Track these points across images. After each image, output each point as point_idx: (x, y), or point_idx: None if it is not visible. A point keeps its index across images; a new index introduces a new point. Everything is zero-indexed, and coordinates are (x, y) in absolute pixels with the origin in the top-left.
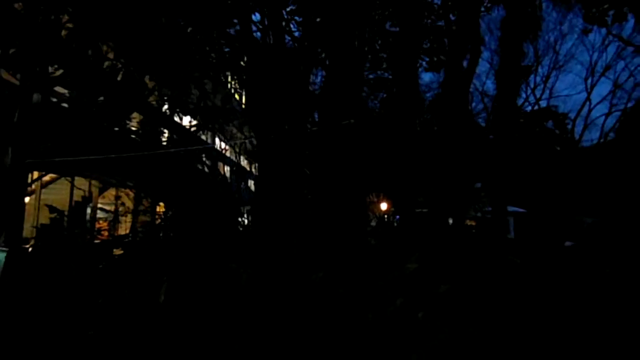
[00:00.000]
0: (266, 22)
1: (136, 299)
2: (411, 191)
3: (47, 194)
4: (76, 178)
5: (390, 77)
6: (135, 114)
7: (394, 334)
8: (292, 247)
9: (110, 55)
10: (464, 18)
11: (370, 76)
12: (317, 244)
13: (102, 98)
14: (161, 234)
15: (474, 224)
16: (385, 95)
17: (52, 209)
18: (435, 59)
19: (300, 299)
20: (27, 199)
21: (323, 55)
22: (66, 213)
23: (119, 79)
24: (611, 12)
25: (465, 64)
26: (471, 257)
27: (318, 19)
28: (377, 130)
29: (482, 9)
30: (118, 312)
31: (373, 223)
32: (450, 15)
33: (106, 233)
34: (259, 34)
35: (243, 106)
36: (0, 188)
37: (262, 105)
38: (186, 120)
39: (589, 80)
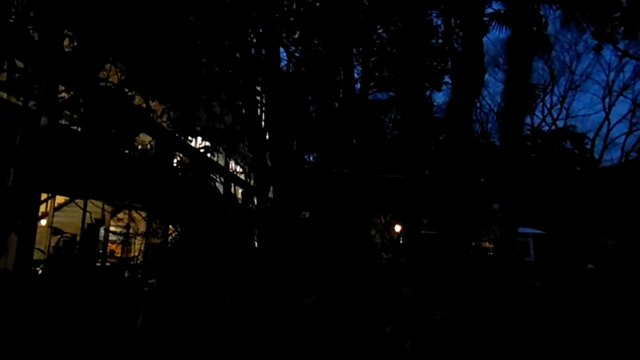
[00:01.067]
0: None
1: (117, 324)
2: (417, 212)
3: (60, 217)
4: (90, 201)
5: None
6: (148, 137)
7: None
8: (288, 271)
9: (115, 78)
10: (467, 36)
11: (380, 96)
12: (317, 267)
13: (106, 121)
14: (169, 257)
15: (490, 246)
16: (393, 115)
17: (56, 231)
18: (436, 77)
19: (286, 325)
20: (43, 222)
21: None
22: (78, 236)
23: (119, 95)
24: (621, 29)
25: (471, 82)
26: (484, 280)
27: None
28: (386, 151)
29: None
30: (100, 338)
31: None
32: (454, 35)
33: (118, 255)
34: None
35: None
36: (1, 210)
37: (261, 126)
38: (199, 141)
39: (607, 100)
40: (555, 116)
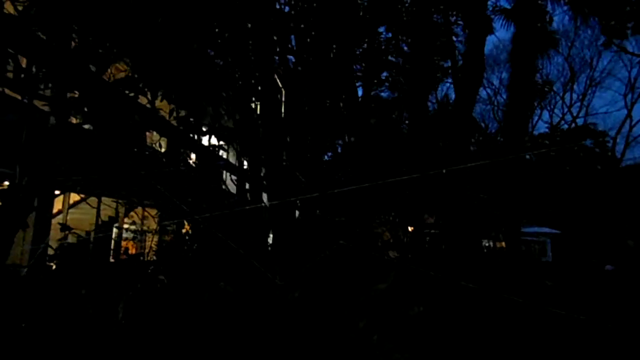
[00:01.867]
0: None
1: (100, 318)
2: (422, 211)
3: (75, 214)
4: (104, 198)
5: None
6: (158, 135)
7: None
8: (285, 268)
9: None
10: (470, 33)
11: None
12: (313, 266)
13: (114, 119)
14: (176, 255)
15: (504, 245)
16: (398, 114)
17: (64, 227)
18: (434, 77)
19: (266, 317)
20: (60, 218)
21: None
22: (92, 232)
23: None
24: (631, 24)
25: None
26: (489, 278)
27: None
28: (391, 149)
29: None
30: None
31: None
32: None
33: (132, 252)
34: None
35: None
36: (6, 207)
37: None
38: (213, 140)
39: (629, 97)
40: (575, 114)
